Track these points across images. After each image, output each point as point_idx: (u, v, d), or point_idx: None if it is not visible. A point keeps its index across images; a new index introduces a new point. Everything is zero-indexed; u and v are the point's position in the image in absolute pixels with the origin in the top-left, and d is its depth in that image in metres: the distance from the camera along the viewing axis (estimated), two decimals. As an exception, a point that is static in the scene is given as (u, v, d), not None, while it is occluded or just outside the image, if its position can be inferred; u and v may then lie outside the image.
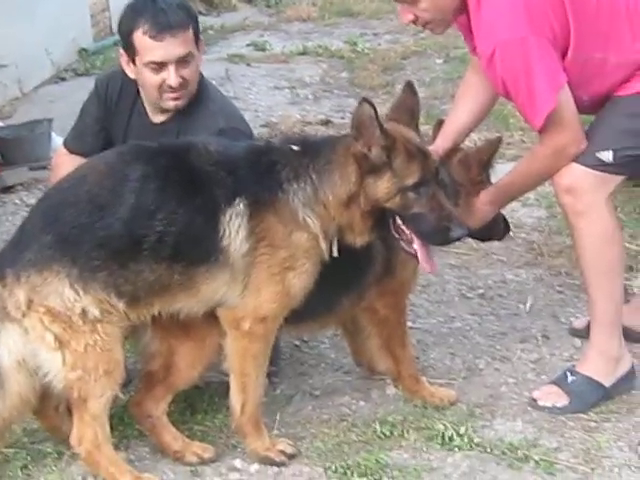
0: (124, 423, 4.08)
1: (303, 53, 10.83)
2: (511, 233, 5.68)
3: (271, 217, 3.61)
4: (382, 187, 3.61)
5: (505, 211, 5.91)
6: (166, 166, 3.60)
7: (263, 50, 11.06)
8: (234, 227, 3.56)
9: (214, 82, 9.45)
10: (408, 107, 3.82)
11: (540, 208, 6.30)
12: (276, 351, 4.48)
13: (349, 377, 4.53)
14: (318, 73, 10.08)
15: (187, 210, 3.54)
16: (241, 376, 3.76)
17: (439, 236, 3.74)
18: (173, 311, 3.66)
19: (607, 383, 4.20)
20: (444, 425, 4.00)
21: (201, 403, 4.25)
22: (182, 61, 4.12)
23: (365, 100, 3.55)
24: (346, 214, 3.66)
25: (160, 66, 4.11)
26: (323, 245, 3.69)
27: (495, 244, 5.77)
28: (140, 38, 4.10)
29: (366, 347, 4.28)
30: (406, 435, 4.01)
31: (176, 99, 4.18)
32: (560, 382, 4.23)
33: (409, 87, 3.86)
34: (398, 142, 3.62)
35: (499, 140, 4.27)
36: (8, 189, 7.19)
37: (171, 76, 4.10)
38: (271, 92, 9.54)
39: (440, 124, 4.37)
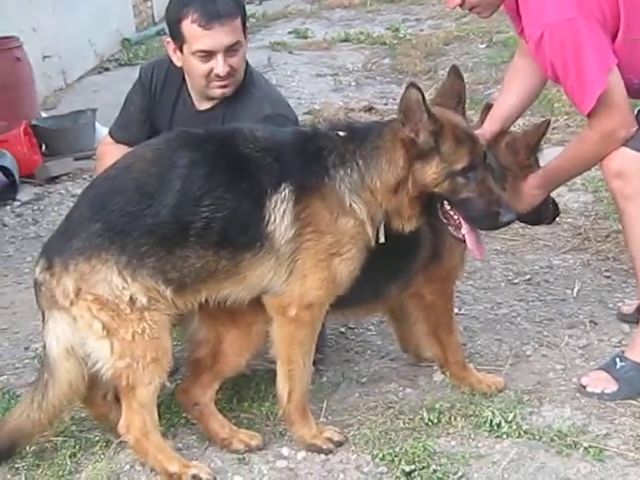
0: (171, 411, 4.09)
1: (345, 40, 10.81)
2: (557, 218, 5.67)
3: (317, 202, 3.59)
4: (430, 172, 3.59)
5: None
6: (213, 152, 3.60)
7: (305, 37, 11.05)
8: (279, 213, 3.55)
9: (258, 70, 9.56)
10: (454, 91, 3.79)
11: (586, 193, 6.23)
12: (322, 338, 4.47)
13: (395, 364, 4.50)
14: (360, 60, 10.05)
15: (233, 196, 3.53)
16: (288, 363, 3.74)
17: (488, 221, 3.72)
18: (220, 298, 3.66)
19: (657, 369, 4.14)
20: (492, 412, 3.96)
21: (248, 391, 4.25)
22: (230, 50, 4.13)
23: (412, 85, 3.53)
24: (394, 200, 3.64)
25: (208, 55, 4.11)
26: (369, 231, 3.67)
27: (541, 229, 5.75)
28: (189, 26, 4.10)
29: (413, 334, 4.26)
30: (453, 422, 3.98)
31: (224, 87, 4.19)
32: (609, 368, 4.19)
33: (455, 71, 3.83)
34: (446, 127, 3.59)
35: (547, 124, 4.22)
36: (53, 179, 7.25)
37: (219, 65, 4.11)
38: (313, 79, 9.54)
39: (488, 108, 4.34)
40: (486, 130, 4.19)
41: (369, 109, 8.11)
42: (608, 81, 3.79)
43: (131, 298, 3.51)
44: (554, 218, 4.47)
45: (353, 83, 9.27)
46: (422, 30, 11.04)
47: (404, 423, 4.00)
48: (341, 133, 3.72)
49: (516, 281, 5.28)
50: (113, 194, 3.55)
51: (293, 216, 3.57)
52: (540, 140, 4.19)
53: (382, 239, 3.72)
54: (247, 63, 4.33)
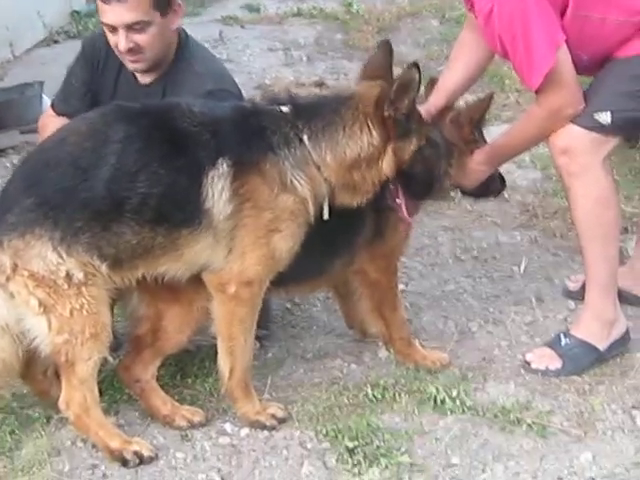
0: (114, 387, 4.05)
1: (298, 14, 10.68)
2: (506, 195, 5.69)
3: (256, 178, 3.55)
4: (410, 150, 3.67)
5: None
6: (148, 127, 3.53)
7: (257, 11, 10.91)
8: (217, 189, 3.50)
9: (207, 44, 9.43)
10: (382, 65, 3.74)
11: (535, 170, 6.23)
12: (267, 314, 4.45)
13: (341, 340, 4.48)
14: (312, 35, 9.95)
15: (169, 172, 3.47)
16: (228, 340, 3.71)
17: (428, 191, 3.99)
18: (157, 274, 3.61)
19: (601, 346, 4.16)
20: (436, 388, 3.96)
21: (191, 367, 4.21)
22: (132, 28, 4.04)
23: (415, 65, 3.54)
24: (349, 176, 3.63)
25: (113, 29, 4.06)
26: (311, 208, 3.64)
27: (489, 205, 5.75)
28: (98, 0, 4.06)
29: (357, 310, 4.24)
30: (398, 398, 3.97)
31: (134, 62, 4.13)
32: (554, 345, 4.20)
33: (384, 44, 3.79)
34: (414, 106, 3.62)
35: (490, 97, 4.20)
36: (0, 152, 7.11)
37: (120, 41, 4.05)
38: (265, 54, 9.43)
39: (433, 83, 4.30)
40: (431, 105, 4.16)
41: (320, 84, 8.04)
42: (556, 58, 3.77)
43: (67, 274, 3.45)
44: (500, 191, 4.46)
45: (305, 58, 9.19)
46: (375, 6, 10.94)
47: (348, 399, 3.99)
48: (284, 108, 3.66)
49: (463, 257, 5.27)
50: (47, 168, 3.48)
51: (231, 192, 3.52)
52: (484, 114, 4.18)
53: (326, 215, 3.69)
54: (187, 37, 4.28)
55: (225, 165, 3.51)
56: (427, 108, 4.12)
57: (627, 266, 4.67)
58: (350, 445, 3.66)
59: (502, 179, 4.40)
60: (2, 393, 3.97)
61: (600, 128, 3.87)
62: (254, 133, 3.58)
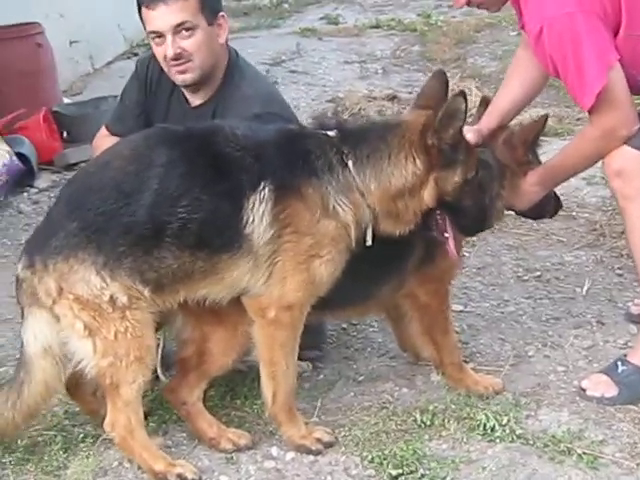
0: (163, 408, 4.05)
1: (376, 26, 10.71)
2: (574, 213, 5.58)
3: (297, 203, 3.52)
4: (454, 181, 3.60)
5: (569, 190, 5.83)
6: (191, 151, 3.53)
7: (336, 24, 10.96)
8: (258, 214, 3.48)
9: (284, 56, 9.49)
10: (438, 95, 3.68)
11: (605, 187, 6.06)
12: (321, 335, 4.44)
13: (394, 362, 4.43)
14: (390, 47, 9.95)
15: (210, 197, 3.46)
16: (270, 365, 3.69)
17: (478, 225, 3.87)
18: (198, 298, 3.60)
19: (660, 373, 4.03)
20: (486, 415, 3.87)
21: (242, 387, 4.20)
22: (179, 31, 4.04)
23: (461, 94, 3.49)
24: (393, 205, 3.59)
25: (159, 37, 4.05)
26: (353, 234, 3.60)
27: (556, 224, 5.66)
28: (143, 11, 4.09)
29: (408, 333, 4.16)
30: (447, 425, 3.90)
31: (181, 72, 4.10)
32: (610, 372, 4.08)
33: (439, 73, 3.73)
34: (461, 136, 3.57)
35: (545, 119, 4.10)
36: (72, 166, 7.23)
37: (167, 45, 4.04)
38: (341, 66, 9.46)
39: (486, 103, 4.23)
40: (483, 126, 4.09)
41: (392, 98, 8.01)
42: (609, 78, 3.67)
43: (111, 297, 3.47)
44: (556, 212, 4.36)
45: (380, 71, 9.18)
46: (454, 17, 10.88)
47: (396, 425, 3.93)
48: (330, 133, 3.63)
49: (526, 278, 5.18)
50: (90, 192, 3.49)
51: (272, 217, 3.50)
52: (538, 135, 4.09)
53: (369, 242, 3.64)
54: (238, 56, 4.28)
55: (267, 189, 3.49)
56: (479, 129, 4.06)
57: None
58: (394, 473, 3.61)
59: (557, 199, 4.30)
60: (55, 410, 3.99)
61: (655, 150, 3.76)
62: (298, 157, 3.55)
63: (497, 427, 3.84)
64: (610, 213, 5.83)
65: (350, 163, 3.56)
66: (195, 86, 4.17)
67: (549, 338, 4.56)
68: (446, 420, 3.92)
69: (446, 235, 3.70)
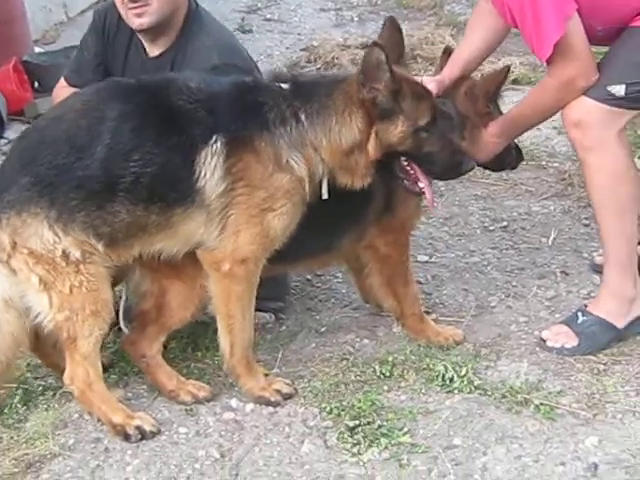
0: (125, 360, 4.04)
1: (354, -27, 10.53)
2: (543, 162, 5.57)
3: (250, 157, 3.50)
4: (396, 131, 3.55)
5: (539, 139, 5.81)
6: (144, 104, 3.50)
7: (313, -29, 10.80)
8: (210, 167, 3.46)
9: (260, 4, 9.37)
10: (393, 44, 3.65)
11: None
12: (284, 287, 4.45)
13: (357, 313, 4.43)
14: (367, -6, 9.83)
15: (162, 150, 3.44)
16: (227, 318, 3.70)
17: (450, 171, 3.76)
18: (153, 252, 3.59)
19: (620, 324, 4.04)
20: (445, 366, 3.88)
21: (204, 339, 4.20)
22: None
23: (375, 44, 3.44)
24: (345, 159, 3.56)
25: None
26: (307, 188, 3.58)
27: (525, 173, 5.63)
28: None
29: (370, 285, 4.16)
30: (406, 376, 3.91)
31: (138, 16, 4.06)
32: (570, 322, 4.09)
33: (391, 22, 3.69)
34: (404, 84, 3.52)
35: (507, 70, 4.08)
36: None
37: None
38: (316, 14, 9.37)
39: (448, 53, 4.19)
40: (445, 76, 4.06)
41: (366, 46, 7.88)
42: (566, 28, 3.64)
43: (64, 252, 3.45)
44: (517, 164, 4.35)
45: (356, 18, 9.08)
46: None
47: (355, 376, 3.94)
48: (284, 86, 3.60)
49: (492, 228, 5.17)
50: (42, 146, 3.46)
51: (224, 170, 3.48)
52: (499, 87, 4.06)
53: (325, 195, 3.63)
54: (197, 7, 4.21)
55: (219, 143, 3.47)
56: (441, 79, 4.04)
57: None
58: (351, 424, 3.61)
59: (518, 150, 4.28)
60: (18, 363, 3.98)
61: (614, 101, 3.74)
62: (250, 110, 3.53)
63: (456, 378, 3.85)
64: (580, 163, 5.77)
65: (303, 117, 3.53)
66: (152, 34, 4.13)
67: (512, 288, 4.57)
68: (405, 371, 3.94)
69: (420, 185, 3.66)
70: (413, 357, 4.02)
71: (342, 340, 4.22)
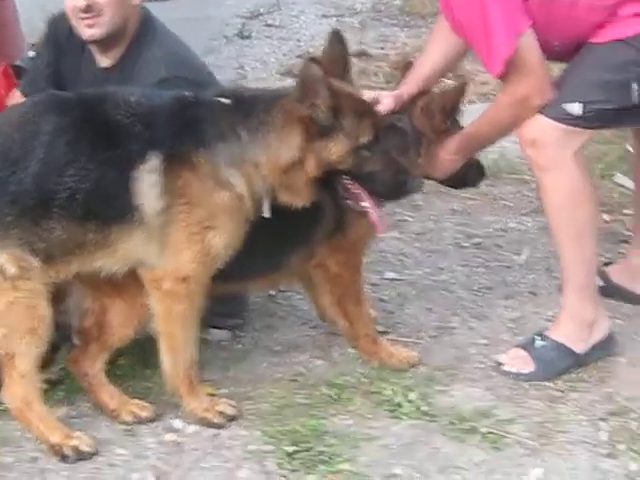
0: (71, 377, 3.95)
1: (360, -22, 10.42)
2: (526, 176, 5.44)
3: (188, 174, 3.42)
4: (335, 150, 3.43)
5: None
6: (80, 118, 3.42)
7: (319, -25, 10.70)
8: (147, 184, 3.38)
9: (262, 9, 9.29)
10: (337, 58, 3.54)
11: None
12: (243, 303, 4.38)
13: (315, 332, 4.33)
14: (370, 0, 9.71)
15: (98, 166, 3.36)
16: (168, 337, 3.61)
17: (395, 191, 3.62)
18: (93, 270, 3.50)
19: (579, 350, 3.93)
20: (393, 390, 3.78)
21: (154, 357, 4.06)
22: None
23: (311, 60, 3.35)
24: (285, 178, 3.46)
25: None
26: (249, 205, 3.48)
27: (507, 188, 5.59)
28: None
29: (321, 304, 4.06)
30: (354, 399, 3.80)
31: (90, 27, 3.98)
32: (528, 346, 3.97)
33: (334, 36, 3.58)
34: (345, 100, 3.41)
35: (464, 85, 3.95)
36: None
37: None
38: (318, 20, 9.27)
39: (408, 67, 4.08)
40: (404, 91, 3.96)
41: (361, 54, 7.81)
42: (518, 44, 3.52)
43: (0, 268, 3.36)
44: (479, 181, 4.23)
45: (357, 25, 8.98)
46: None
47: (303, 398, 3.84)
48: (225, 101, 3.50)
49: (465, 244, 5.06)
50: None
51: (162, 187, 3.40)
52: (457, 103, 3.94)
53: (267, 214, 3.53)
54: (150, 17, 4.13)
55: (156, 159, 3.39)
56: (399, 94, 3.94)
57: (623, 262, 4.40)
58: (290, 449, 3.51)
59: (480, 168, 4.16)
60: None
61: (570, 120, 3.62)
62: (189, 125, 3.44)
63: (404, 403, 3.75)
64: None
65: (243, 133, 3.44)
66: (103, 45, 4.06)
67: (477, 308, 4.46)
68: (354, 395, 3.84)
69: (363, 205, 3.55)
70: (364, 380, 3.92)
71: (295, 360, 4.12)
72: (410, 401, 3.74)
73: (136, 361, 4.09)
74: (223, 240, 3.49)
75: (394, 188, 3.59)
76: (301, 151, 3.42)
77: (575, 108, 3.61)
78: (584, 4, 3.57)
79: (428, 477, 3.41)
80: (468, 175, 4.10)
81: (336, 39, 3.57)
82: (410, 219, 5.27)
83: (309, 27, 9.12)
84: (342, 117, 3.40)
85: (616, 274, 4.38)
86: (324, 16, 9.35)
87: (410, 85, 3.97)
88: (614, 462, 3.46)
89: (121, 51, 4.07)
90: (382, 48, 8.12)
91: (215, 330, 4.30)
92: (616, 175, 5.63)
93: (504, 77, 3.61)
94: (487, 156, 5.53)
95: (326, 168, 3.44)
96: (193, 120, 3.44)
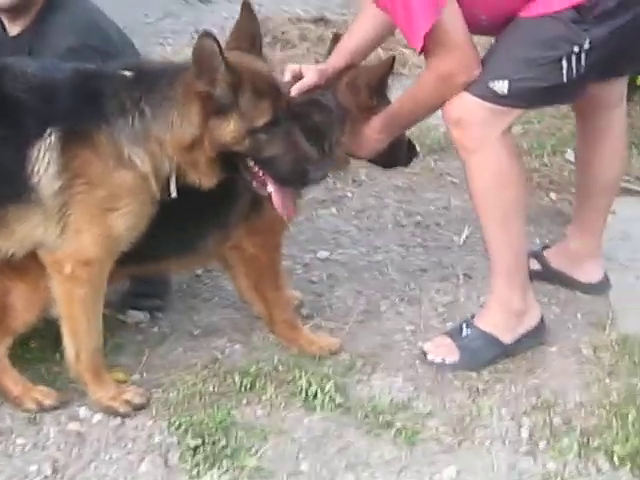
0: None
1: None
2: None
3: (87, 151, 3.21)
4: (228, 130, 3.20)
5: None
6: None
7: None
8: (44, 162, 3.18)
9: (221, -34, 8.96)
10: (248, 32, 3.33)
11: (516, 124, 5.67)
12: (164, 284, 4.21)
13: (238, 314, 4.13)
14: (337, -41, 9.44)
15: None
16: (71, 322, 3.44)
17: (295, 179, 3.36)
18: None
19: (507, 339, 3.75)
20: (308, 380, 3.59)
21: (65, 340, 3.90)
22: None
23: (206, 34, 3.10)
24: (188, 156, 3.26)
25: None
26: (154, 185, 3.29)
27: (456, 163, 5.29)
28: None
29: (238, 287, 3.87)
30: (268, 389, 3.62)
31: None
32: (454, 335, 3.80)
33: (246, 8, 3.36)
34: (245, 78, 3.19)
35: (392, 60, 3.74)
36: None
37: None
38: (286, -18, 8.97)
39: (336, 39, 3.87)
40: (330, 65, 3.75)
41: (319, 20, 7.57)
42: (440, 18, 3.30)
43: None
44: (409, 161, 4.02)
45: (322, -13, 8.71)
46: None
47: (214, 387, 3.65)
48: (127, 73, 3.29)
49: (404, 223, 4.88)
50: None
51: (60, 166, 3.19)
52: (383, 79, 3.73)
53: (174, 194, 3.33)
54: None
55: (53, 136, 3.18)
56: (324, 68, 3.74)
57: (561, 246, 4.22)
58: (192, 443, 3.34)
59: (412, 146, 3.96)
60: None
61: (496, 98, 3.42)
62: (89, 100, 3.23)
63: (319, 394, 3.56)
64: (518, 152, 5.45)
65: (146, 109, 3.23)
66: (12, 12, 3.83)
67: (409, 292, 4.28)
68: (268, 384, 3.65)
69: (269, 189, 3.35)
70: (281, 368, 3.73)
71: (213, 345, 3.94)
72: (325, 392, 3.56)
73: (47, 344, 3.89)
74: (126, 222, 3.30)
75: (293, 176, 3.34)
76: (200, 129, 3.20)
77: (501, 85, 3.41)
78: (510, -24, 3.35)
79: (335, 474, 3.25)
80: (397, 154, 3.90)
81: (247, 11, 3.35)
82: (350, 195, 5.06)
83: (270, -10, 8.84)
84: (240, 95, 3.18)
85: (555, 258, 4.20)
86: (289, -21, 9.07)
87: (337, 59, 3.77)
88: (532, 461, 3.28)
89: (30, 18, 3.85)
90: (344, 14, 7.85)
91: (133, 312, 4.13)
92: (567, 152, 5.42)
93: (427, 52, 3.40)
94: (438, 129, 5.38)
95: (222, 149, 3.23)
96: (94, 94, 3.23)
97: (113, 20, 4.05)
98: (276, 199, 3.36)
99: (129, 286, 4.20)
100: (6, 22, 3.91)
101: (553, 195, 5.03)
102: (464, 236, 4.69)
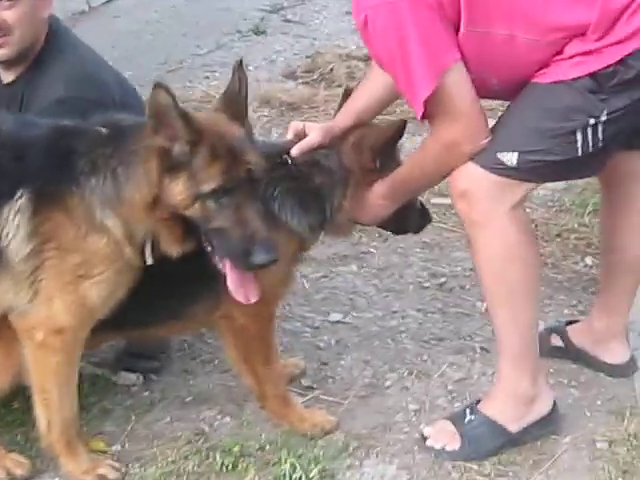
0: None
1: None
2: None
3: (59, 215, 3.03)
4: (177, 190, 2.96)
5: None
6: None
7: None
8: (13, 225, 3.01)
9: (286, 3, 8.85)
10: (234, 94, 3.11)
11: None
12: (161, 345, 3.98)
13: (234, 382, 3.88)
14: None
15: None
16: (42, 392, 3.27)
17: (238, 259, 3.05)
18: None
19: (513, 428, 3.45)
20: (292, 464, 3.33)
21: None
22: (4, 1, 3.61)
23: (159, 85, 2.87)
24: (151, 219, 3.02)
25: None
26: (128, 251, 3.07)
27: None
28: None
29: (229, 359, 3.63)
30: (249, 471, 3.38)
31: (0, 45, 3.66)
32: (457, 420, 3.51)
33: (238, 68, 3.12)
34: (206, 137, 2.94)
35: (402, 124, 3.46)
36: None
37: None
38: (340, 17, 8.80)
39: (348, 94, 3.62)
40: (337, 123, 3.50)
41: (367, 58, 7.29)
42: (443, 82, 3.03)
43: None
44: (421, 227, 3.75)
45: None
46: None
47: (194, 465, 3.43)
48: (103, 130, 3.08)
49: (427, 285, 4.59)
50: None
51: (30, 229, 3.02)
52: (390, 141, 3.46)
53: (149, 261, 3.11)
54: (57, 29, 3.79)
55: (24, 198, 3.02)
56: (330, 126, 3.50)
57: (585, 324, 3.90)
58: (159, 531, 3.09)
59: (424, 212, 3.69)
60: None
61: (504, 170, 3.14)
62: (62, 160, 3.04)
63: (304, 479, 3.29)
64: (554, 210, 5.18)
65: (118, 169, 3.01)
66: (9, 62, 3.71)
67: (420, 364, 4.00)
68: (251, 465, 3.41)
69: (226, 265, 3.11)
70: (268, 447, 3.49)
71: (202, 415, 3.72)
72: (310, 478, 3.28)
73: (31, 406, 3.69)
74: (101, 291, 3.12)
75: (235, 255, 3.05)
76: (157, 187, 2.97)
77: (510, 157, 3.12)
78: (523, 40, 3.06)
79: None
80: (406, 221, 3.63)
81: (239, 71, 3.11)
82: (374, 250, 4.80)
83: (329, 24, 8.71)
84: (195, 155, 2.93)
85: (577, 335, 3.89)
86: (347, 12, 8.84)
87: (344, 117, 3.52)
88: None
89: (25, 66, 3.70)
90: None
91: (126, 374, 3.92)
92: (609, 212, 5.06)
93: (431, 119, 3.13)
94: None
95: (172, 210, 2.98)
96: (66, 153, 3.04)
97: (118, 70, 3.90)
98: (230, 278, 3.10)
99: (125, 344, 3.99)
100: (1, 70, 3.75)
101: (589, 260, 4.69)
102: (486, 303, 4.35)
